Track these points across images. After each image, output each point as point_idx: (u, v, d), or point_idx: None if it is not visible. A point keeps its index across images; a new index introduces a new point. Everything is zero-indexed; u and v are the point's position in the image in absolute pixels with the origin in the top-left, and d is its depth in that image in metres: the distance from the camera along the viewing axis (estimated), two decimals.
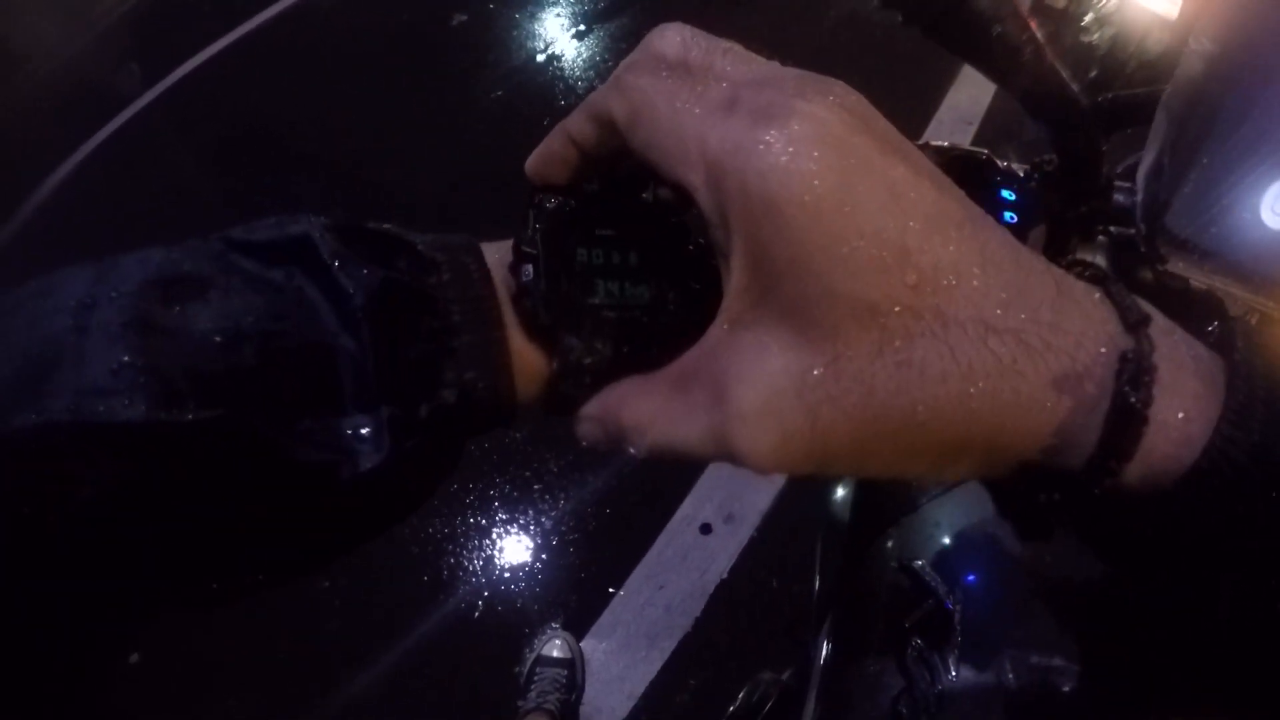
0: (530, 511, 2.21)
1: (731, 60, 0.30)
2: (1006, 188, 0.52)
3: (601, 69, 3.58)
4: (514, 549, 2.15)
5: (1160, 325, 0.28)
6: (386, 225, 0.34)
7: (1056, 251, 0.51)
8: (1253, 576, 0.28)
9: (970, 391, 0.27)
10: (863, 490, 0.79)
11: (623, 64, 0.32)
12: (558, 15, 3.96)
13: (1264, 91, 0.34)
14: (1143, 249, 0.40)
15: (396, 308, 0.31)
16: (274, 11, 4.39)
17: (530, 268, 0.34)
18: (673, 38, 0.31)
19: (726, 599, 2.00)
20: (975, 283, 0.27)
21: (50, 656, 0.32)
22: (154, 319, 0.29)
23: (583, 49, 3.75)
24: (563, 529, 2.18)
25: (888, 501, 0.71)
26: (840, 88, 0.29)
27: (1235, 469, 0.26)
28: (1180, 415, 0.27)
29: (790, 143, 0.26)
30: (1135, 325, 0.27)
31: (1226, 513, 0.27)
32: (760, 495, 2.13)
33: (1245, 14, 0.33)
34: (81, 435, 0.27)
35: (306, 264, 0.32)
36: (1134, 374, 0.26)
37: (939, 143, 0.54)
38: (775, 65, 0.30)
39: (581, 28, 3.83)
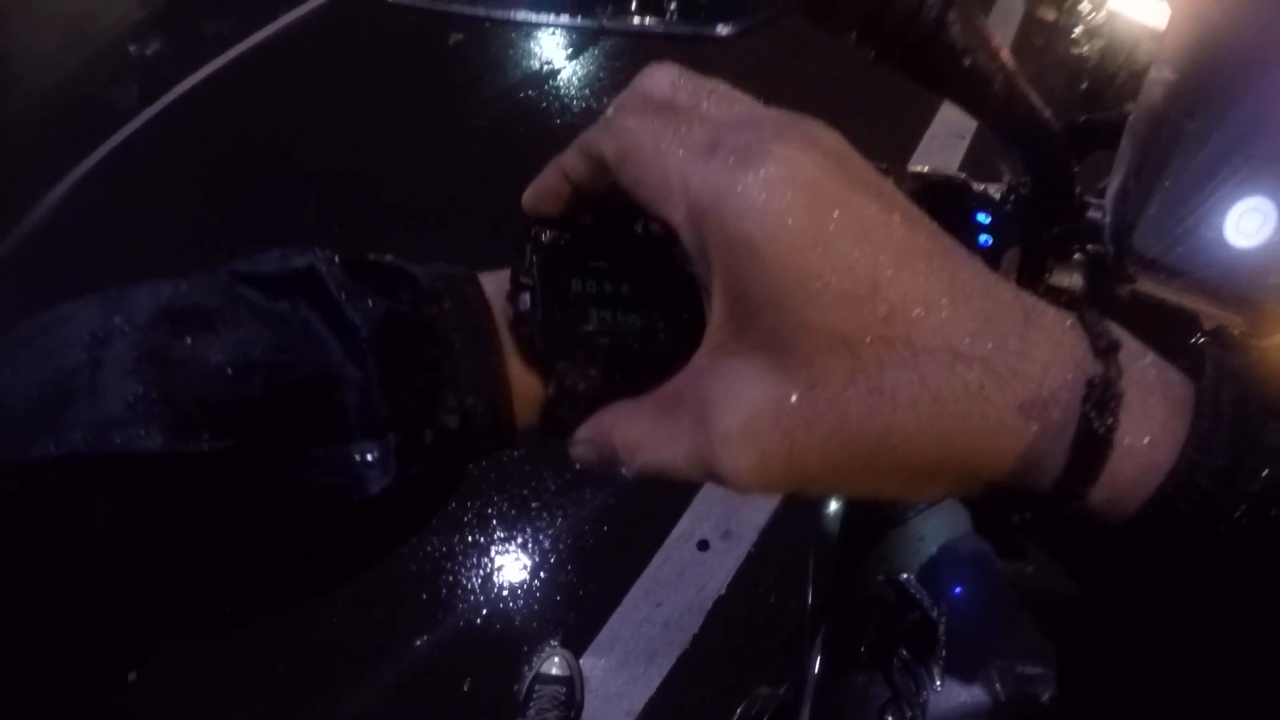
0: (528, 530, 2.22)
1: (716, 101, 0.32)
2: (982, 211, 0.53)
3: (596, 86, 3.61)
4: (512, 567, 2.16)
5: (1131, 350, 0.29)
6: (388, 257, 0.35)
7: (1033, 271, 0.52)
8: (1220, 601, 0.28)
9: (940, 416, 0.28)
10: (852, 505, 0.80)
11: (615, 102, 0.34)
12: (553, 34, 3.99)
13: (1222, 117, 0.35)
14: (1112, 269, 0.41)
15: (400, 338, 0.33)
16: (273, 29, 4.41)
17: (527, 297, 0.35)
18: (662, 78, 0.33)
19: (724, 615, 2.01)
20: (944, 313, 0.28)
21: (53, 671, 0.33)
22: (166, 352, 0.30)
23: (577, 67, 3.78)
24: (560, 547, 2.19)
25: (876, 515, 0.72)
26: (818, 129, 0.30)
27: (1201, 493, 0.27)
28: (1146, 440, 0.28)
29: (765, 184, 0.28)
30: (1104, 352, 0.28)
31: (1192, 537, 0.27)
32: (757, 512, 2.14)
33: (1202, 44, 0.34)
34: (99, 465, 0.29)
35: (312, 296, 0.33)
36: (1100, 400, 0.27)
37: (918, 169, 0.56)
38: (757, 106, 0.32)
39: (576, 46, 3.86)
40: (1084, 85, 2.95)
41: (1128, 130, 0.41)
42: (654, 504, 2.22)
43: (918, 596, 0.61)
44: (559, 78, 3.72)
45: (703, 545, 2.14)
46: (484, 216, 1.89)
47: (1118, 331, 0.30)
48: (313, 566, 0.36)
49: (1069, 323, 0.30)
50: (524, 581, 2.14)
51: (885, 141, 2.39)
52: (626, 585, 2.08)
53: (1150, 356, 0.30)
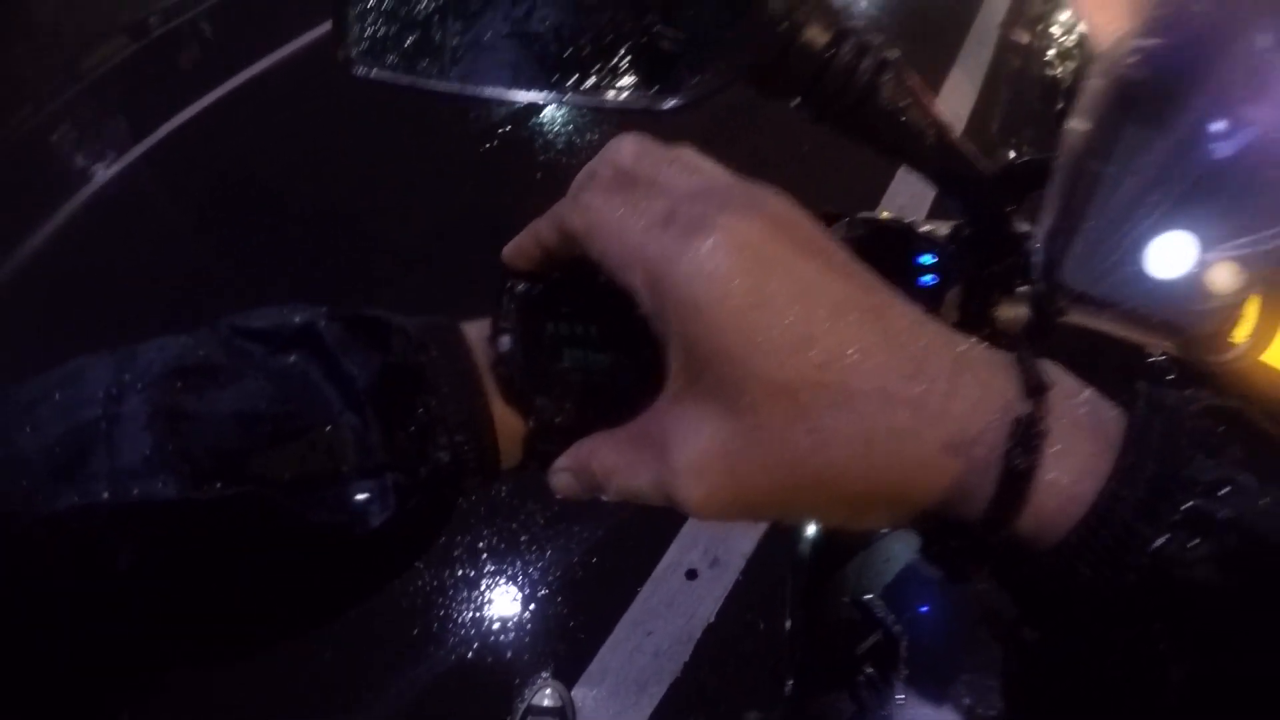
0: (517, 563, 2.23)
1: (676, 172, 0.35)
2: (925, 252, 0.56)
3: (577, 122, 3.64)
4: (502, 600, 2.17)
5: (1064, 389, 0.32)
6: (379, 312, 0.39)
7: (978, 306, 0.55)
8: (1142, 633, 0.30)
9: (873, 453, 0.31)
10: (825, 529, 0.83)
11: (585, 171, 0.38)
12: None
13: (1134, 162, 0.39)
14: (1045, 302, 0.44)
15: (394, 385, 0.36)
16: (262, 66, 4.45)
17: (506, 339, 0.39)
18: (627, 151, 0.37)
19: (714, 643, 2.02)
20: (878, 359, 0.31)
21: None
22: (177, 406, 0.33)
23: (558, 105, 3.81)
24: (550, 579, 2.20)
25: (845, 539, 0.75)
26: (764, 196, 0.34)
27: (1122, 525, 0.29)
28: (1071, 476, 0.30)
29: (711, 253, 0.31)
30: (1034, 391, 0.31)
31: (1115, 567, 0.29)
32: (744, 539, 2.16)
33: (1111, 98, 0.38)
34: (120, 513, 0.32)
35: (310, 350, 0.36)
36: (1023, 438, 0.30)
37: (866, 214, 0.59)
38: (715, 175, 0.36)
39: None
40: (1059, 105, 3.00)
41: (1054, 173, 0.44)
42: (641, 534, 2.23)
43: (880, 615, 0.64)
44: (542, 114, 3.76)
45: (691, 574, 2.15)
46: (469, 254, 1.92)
47: (1053, 372, 0.32)
48: (320, 599, 0.38)
49: (1003, 363, 0.32)
50: (515, 614, 2.15)
51: (863, 172, 2.42)
52: (616, 615, 2.09)
53: (1085, 394, 0.32)
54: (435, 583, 2.19)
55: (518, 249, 0.40)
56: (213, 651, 0.38)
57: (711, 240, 0.31)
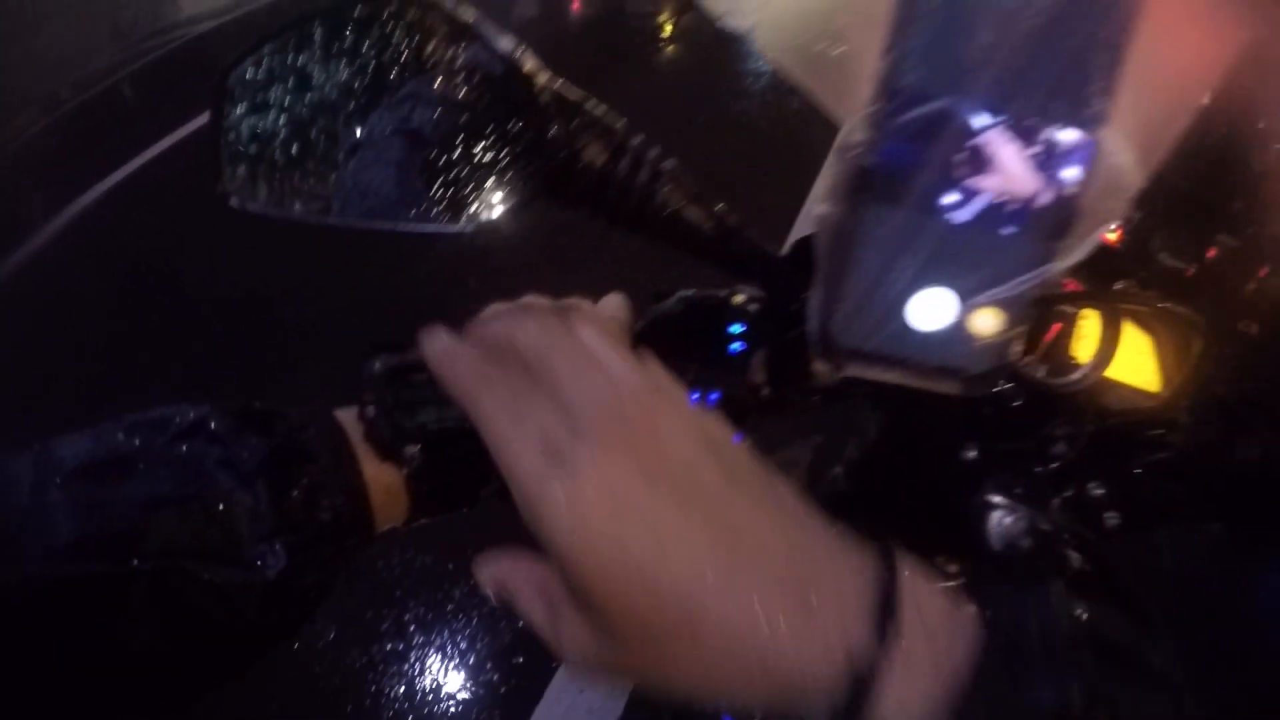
0: (445, 632, 2.24)
1: (571, 371, 0.39)
2: (735, 322, 0.63)
3: None
4: (433, 671, 2.17)
5: (917, 596, 0.35)
6: (261, 406, 0.46)
7: (784, 366, 0.61)
8: None
9: (713, 676, 0.36)
10: None
11: (481, 329, 0.44)
12: None
13: (876, 238, 0.45)
14: (823, 359, 0.49)
15: (280, 464, 0.43)
16: (180, 135, 4.47)
17: (371, 409, 0.48)
18: (531, 331, 0.41)
19: (645, 696, 2.02)
20: (726, 608, 0.35)
21: None
22: (93, 496, 0.39)
23: None
24: (478, 646, 2.21)
25: None
26: (652, 418, 0.39)
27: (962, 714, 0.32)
28: (912, 702, 0.33)
29: (574, 505, 0.35)
30: (880, 628, 0.34)
31: None
32: None
33: (847, 186, 0.43)
34: (52, 585, 0.37)
35: (205, 439, 0.42)
36: (857, 682, 0.33)
37: (686, 292, 0.65)
38: (609, 378, 0.40)
39: None
40: None
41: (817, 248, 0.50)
42: None
43: None
44: None
45: None
46: (378, 328, 1.93)
47: (906, 593, 0.35)
48: (234, 648, 0.43)
49: (855, 591, 0.36)
50: (445, 684, 2.15)
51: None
52: (547, 676, 2.10)
53: (938, 598, 0.36)
54: (365, 659, 2.18)
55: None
56: (138, 707, 0.43)
57: (576, 487, 0.35)
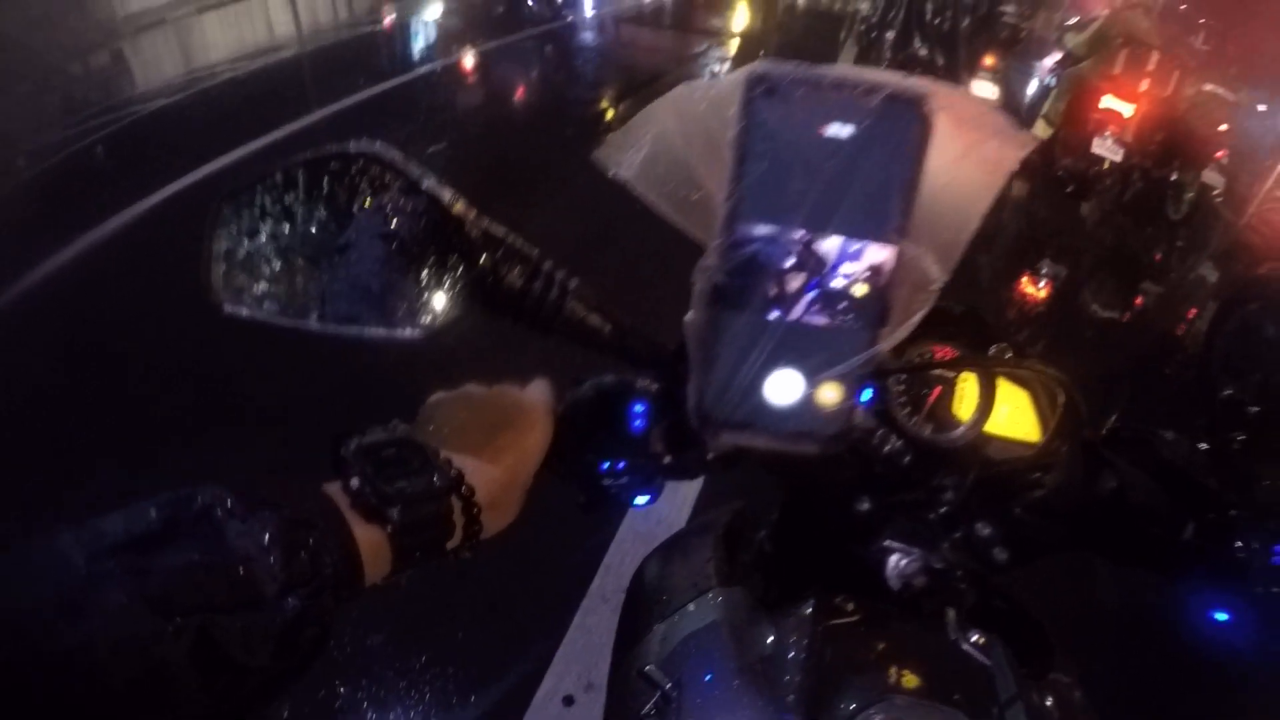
0: (398, 708, 2.26)
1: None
2: (638, 402, 0.76)
3: None
4: None
5: None
6: (264, 492, 0.53)
7: (679, 438, 0.75)
8: None
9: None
10: (626, 605, 0.99)
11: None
12: None
13: (732, 336, 0.57)
14: (701, 431, 0.61)
15: (290, 530, 0.51)
16: (136, 212, 4.49)
17: (355, 480, 0.58)
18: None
19: None
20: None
21: None
22: (136, 565, 0.46)
23: None
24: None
25: (642, 620, 0.90)
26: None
27: None
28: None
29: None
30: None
31: None
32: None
33: (706, 297, 0.56)
34: (113, 645, 0.43)
35: (225, 513, 0.50)
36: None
37: (599, 379, 0.79)
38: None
39: None
40: None
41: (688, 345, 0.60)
42: (515, 666, 2.31)
43: (657, 680, 0.78)
44: None
45: (568, 700, 2.23)
46: (343, 400, 1.97)
47: None
48: (248, 698, 0.49)
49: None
50: None
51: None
52: None
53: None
54: None
55: None
56: None
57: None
